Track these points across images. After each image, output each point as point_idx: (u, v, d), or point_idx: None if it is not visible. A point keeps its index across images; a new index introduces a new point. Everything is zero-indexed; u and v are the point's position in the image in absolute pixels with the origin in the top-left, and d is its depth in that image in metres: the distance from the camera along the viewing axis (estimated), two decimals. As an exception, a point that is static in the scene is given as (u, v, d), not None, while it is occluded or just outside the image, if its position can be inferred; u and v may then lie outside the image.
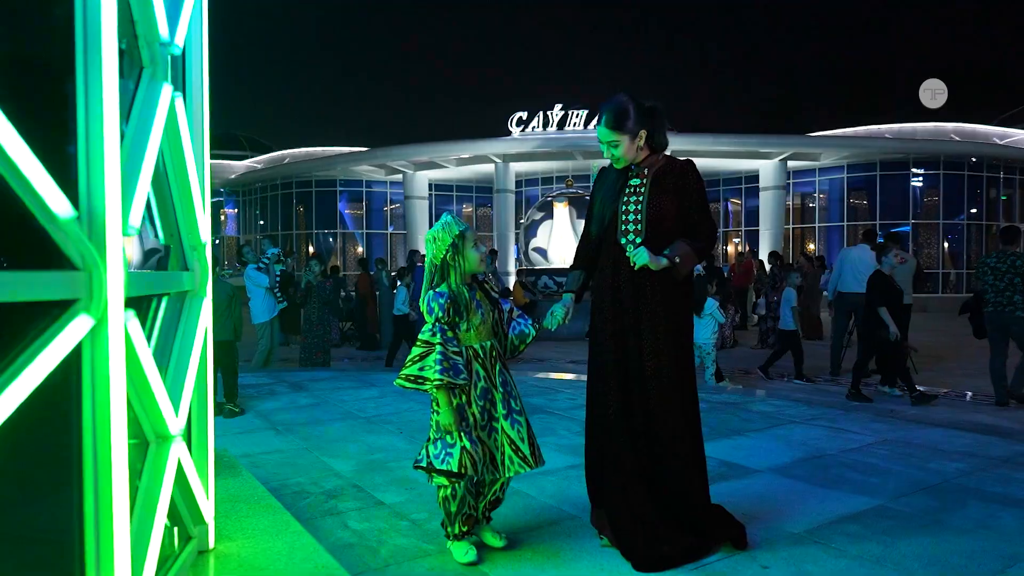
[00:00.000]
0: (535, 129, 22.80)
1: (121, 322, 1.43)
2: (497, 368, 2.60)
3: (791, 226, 26.45)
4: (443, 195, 29.59)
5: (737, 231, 28.55)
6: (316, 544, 2.28)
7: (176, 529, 2.14)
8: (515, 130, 23.01)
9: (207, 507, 2.15)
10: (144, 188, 1.56)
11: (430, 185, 28.70)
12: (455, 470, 2.44)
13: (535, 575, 2.50)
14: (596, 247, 2.88)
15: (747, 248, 26.80)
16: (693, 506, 2.69)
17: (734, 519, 2.79)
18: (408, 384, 2.47)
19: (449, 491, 2.53)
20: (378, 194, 30.14)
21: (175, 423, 1.79)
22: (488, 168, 24.82)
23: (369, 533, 2.90)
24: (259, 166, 32.26)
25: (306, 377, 7.12)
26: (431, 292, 2.54)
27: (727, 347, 10.50)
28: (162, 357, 1.96)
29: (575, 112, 22.26)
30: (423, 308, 2.54)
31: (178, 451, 1.84)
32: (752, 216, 26.56)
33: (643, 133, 2.73)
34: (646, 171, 2.77)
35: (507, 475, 2.56)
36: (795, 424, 4.92)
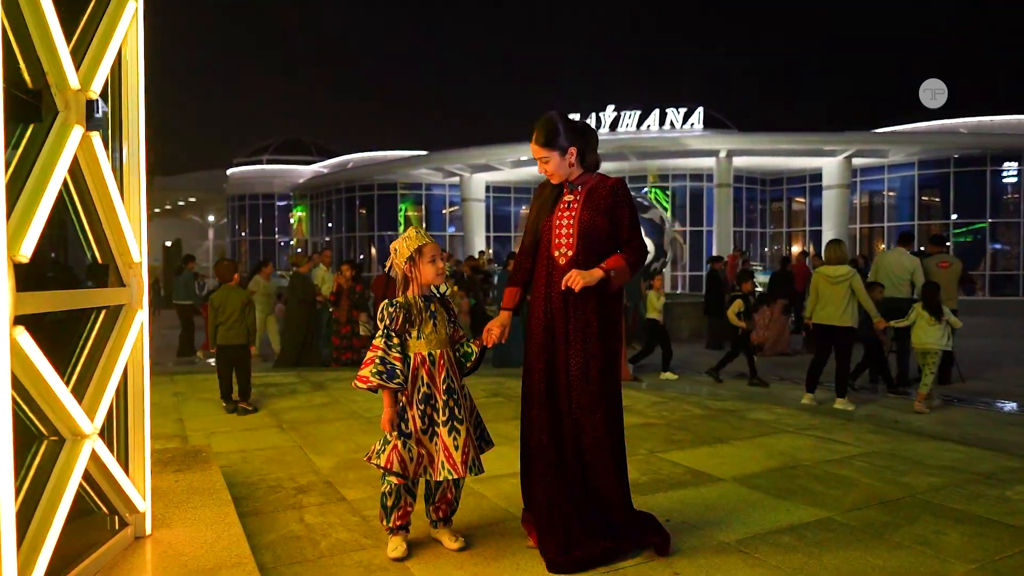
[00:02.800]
0: (587, 131, 22.85)
1: (7, 336, 1.67)
2: (444, 376, 2.75)
3: (858, 226, 25.47)
4: (501, 197, 29.93)
5: (800, 231, 27.68)
6: (241, 535, 2.50)
7: (116, 517, 2.41)
8: (567, 132, 23.13)
9: (138, 498, 2.40)
10: (41, 220, 1.81)
11: (487, 187, 29.09)
12: (382, 465, 2.63)
13: (454, 572, 2.65)
14: (530, 261, 3.00)
15: (811, 249, 25.99)
16: (612, 512, 2.78)
17: (661, 527, 2.86)
18: (359, 384, 2.69)
19: (388, 487, 2.72)
20: (437, 197, 30.77)
21: (87, 422, 2.04)
22: (542, 170, 24.97)
23: (319, 527, 3.11)
24: (325, 171, 33.46)
25: (330, 377, 7.47)
26: (387, 301, 2.74)
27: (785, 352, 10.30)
28: (91, 362, 2.22)
29: (627, 113, 22.16)
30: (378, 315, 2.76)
31: (95, 447, 2.09)
32: (816, 216, 25.71)
33: (573, 150, 2.83)
34: (579, 188, 2.87)
35: (438, 478, 2.71)
36: (786, 433, 4.87)
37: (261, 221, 35.61)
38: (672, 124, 22.15)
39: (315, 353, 8.59)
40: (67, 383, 2.13)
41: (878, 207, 25.46)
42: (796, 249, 26.89)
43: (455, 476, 2.67)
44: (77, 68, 2.07)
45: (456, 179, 28.31)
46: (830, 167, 23.09)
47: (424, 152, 29.19)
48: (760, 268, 24.45)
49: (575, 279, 2.66)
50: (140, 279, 2.43)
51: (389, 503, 2.75)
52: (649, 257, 18.23)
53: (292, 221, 35.80)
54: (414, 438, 2.67)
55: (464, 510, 3.31)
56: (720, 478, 3.83)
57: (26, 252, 1.75)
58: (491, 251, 29.77)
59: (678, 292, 21.78)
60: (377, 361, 2.64)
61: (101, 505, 2.34)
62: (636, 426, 5.09)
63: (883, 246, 24.19)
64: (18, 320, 1.73)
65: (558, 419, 2.80)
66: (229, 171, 36.52)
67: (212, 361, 8.34)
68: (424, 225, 30.47)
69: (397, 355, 2.66)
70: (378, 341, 2.69)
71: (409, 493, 2.78)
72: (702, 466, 4.05)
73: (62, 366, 2.16)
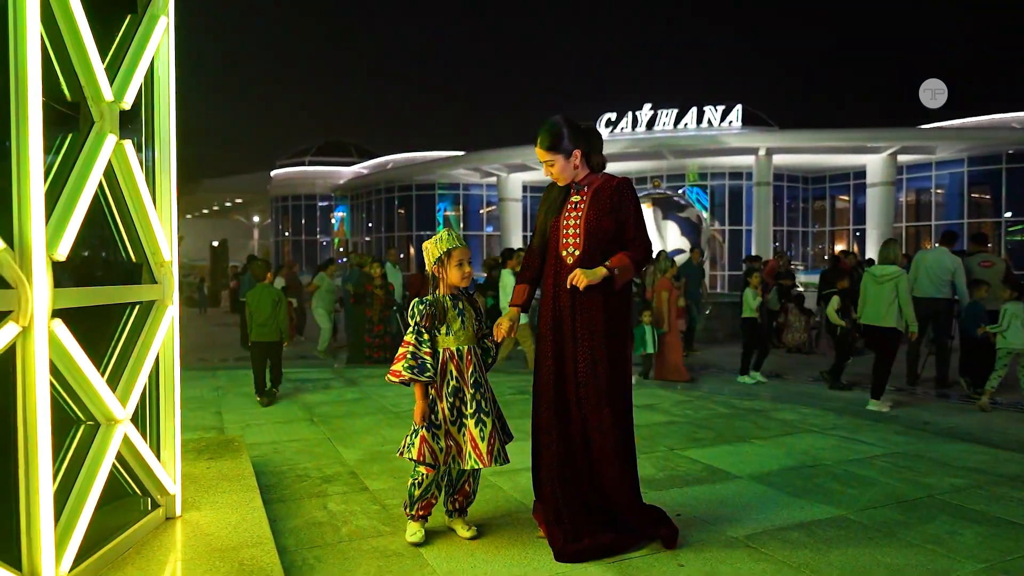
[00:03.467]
0: (624, 130, 22.72)
1: (45, 328, 1.84)
2: (471, 370, 2.86)
3: (904, 224, 24.81)
4: (538, 196, 29.94)
5: (844, 230, 27.08)
6: (263, 518, 2.65)
7: (148, 499, 2.58)
8: (604, 131, 23.01)
9: (168, 481, 2.57)
10: (77, 222, 1.97)
11: (524, 187, 29.18)
12: (415, 458, 2.75)
13: (465, 559, 2.75)
14: (541, 261, 3.09)
15: (855, 248, 25.43)
16: (620, 505, 2.84)
17: (669, 520, 2.92)
18: (391, 378, 2.82)
19: (419, 478, 2.85)
20: (475, 197, 31.01)
21: (120, 408, 2.21)
22: (579, 169, 24.96)
23: (341, 514, 3.25)
24: (365, 171, 34.01)
25: (363, 373, 7.67)
26: (418, 299, 2.88)
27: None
28: (125, 354, 2.39)
29: (664, 111, 22.00)
30: (409, 312, 2.90)
31: (127, 432, 2.26)
32: (861, 214, 25.12)
33: (578, 153, 2.89)
34: (585, 188, 2.94)
35: (465, 467, 2.82)
36: (810, 433, 4.85)
37: (303, 221, 36.38)
38: (710, 122, 21.91)
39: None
40: (103, 372, 2.31)
41: (925, 205, 24.75)
42: (840, 248, 26.32)
43: (481, 466, 2.78)
44: (111, 82, 2.24)
45: (493, 179, 28.47)
46: (874, 164, 22.53)
47: (461, 152, 29.44)
48: (802, 268, 24.03)
49: (579, 278, 2.73)
50: (171, 276, 2.60)
51: (417, 493, 2.87)
52: (686, 257, 18.12)
53: (334, 221, 36.48)
54: (443, 429, 2.78)
55: (481, 502, 3.41)
56: (736, 475, 3.86)
57: (63, 252, 1.91)
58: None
59: (716, 292, 21.53)
60: (408, 356, 2.77)
61: (135, 487, 2.51)
62: (658, 424, 5.13)
63: (930, 245, 23.52)
64: (56, 313, 1.90)
65: (566, 415, 2.87)
66: (273, 173, 37.39)
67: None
68: (461, 225, 30.75)
69: (427, 350, 2.79)
70: (409, 337, 2.82)
71: (437, 487, 2.91)
72: (720, 463, 4.07)
73: (99, 357, 2.34)
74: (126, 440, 2.28)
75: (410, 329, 2.82)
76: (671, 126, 22.02)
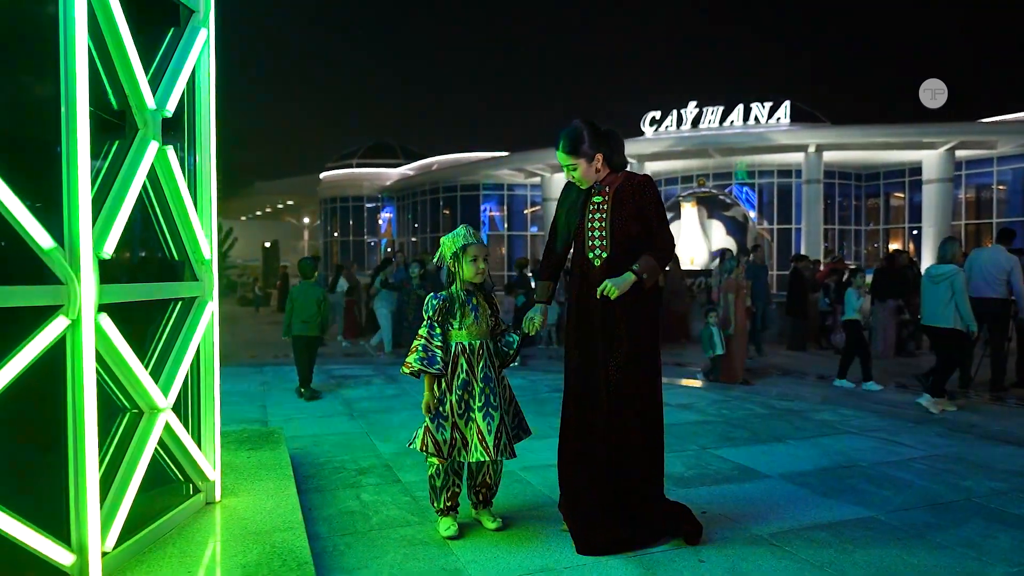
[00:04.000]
0: (668, 128, 22.49)
1: (92, 321, 1.98)
2: (481, 364, 2.94)
3: (963, 222, 23.88)
4: (582, 196, 29.89)
5: (899, 228, 26.24)
6: (296, 506, 2.77)
7: (190, 485, 2.73)
8: (648, 130, 22.84)
9: (208, 468, 2.72)
10: (121, 223, 2.12)
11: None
12: (419, 448, 2.84)
13: (489, 549, 2.83)
14: (561, 259, 3.14)
15: (911, 247, 24.62)
16: (644, 503, 2.86)
17: (693, 517, 2.93)
18: (404, 370, 2.93)
19: (434, 469, 2.94)
20: (519, 197, 31.09)
21: (162, 398, 2.35)
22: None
23: (373, 504, 3.37)
24: (411, 172, 34.46)
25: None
26: (432, 294, 2.98)
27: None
28: (168, 347, 2.55)
29: (710, 109, 21.69)
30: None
31: (169, 420, 2.41)
32: (917, 212, 24.29)
33: (600, 157, 2.91)
34: (607, 188, 2.95)
35: (471, 459, 2.90)
36: (848, 435, 4.77)
37: (351, 222, 37.07)
38: (757, 119, 21.51)
39: None
40: (147, 364, 2.46)
41: (986, 202, 23.77)
42: (895, 246, 25.49)
43: (487, 458, 2.84)
44: (154, 91, 2.38)
45: (537, 179, 28.52)
46: (930, 160, 21.76)
47: (506, 153, 29.56)
48: (853, 267, 23.37)
49: (609, 288, 2.76)
50: (212, 274, 2.74)
51: (437, 484, 2.95)
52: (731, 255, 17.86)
53: (381, 222, 37.07)
54: (450, 421, 2.86)
55: (510, 495, 3.49)
56: (767, 475, 3.83)
57: (108, 250, 2.06)
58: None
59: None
60: (419, 349, 2.87)
61: (177, 473, 2.66)
62: (693, 423, 5.12)
63: (991, 244, 22.59)
64: (102, 308, 2.04)
65: (592, 414, 2.91)
66: (321, 175, 38.22)
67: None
68: (506, 225, 30.89)
69: (439, 344, 2.88)
70: (422, 330, 2.91)
71: (455, 474, 2.98)
72: (751, 463, 4.05)
73: (144, 350, 2.50)
74: (167, 428, 2.43)
75: (424, 323, 2.90)
76: (717, 124, 21.69)
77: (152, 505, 2.51)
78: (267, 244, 33.75)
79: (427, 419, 2.87)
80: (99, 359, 2.09)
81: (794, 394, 6.49)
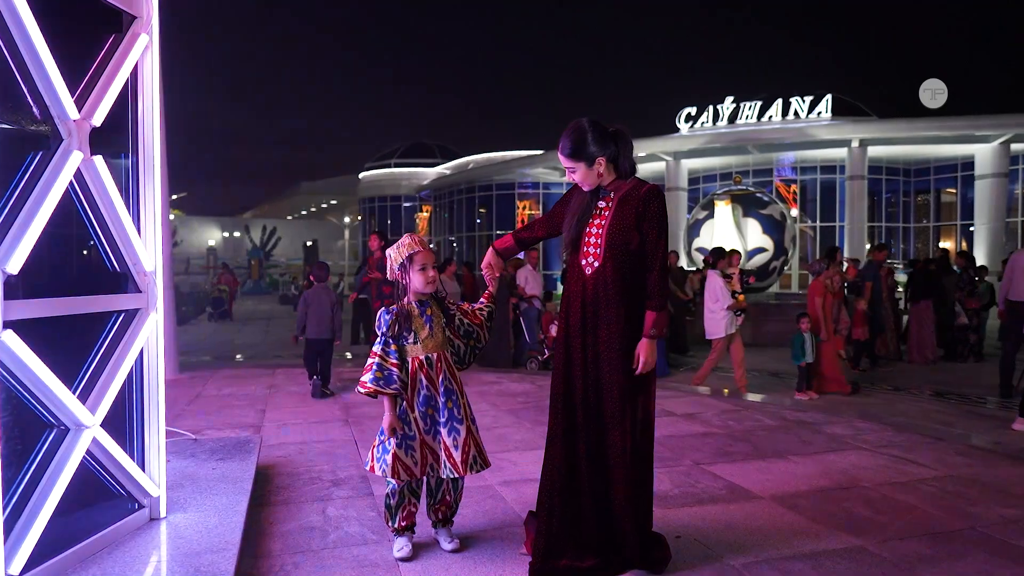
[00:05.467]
0: (704, 124, 21.98)
1: (-6, 339, 1.92)
2: (441, 377, 2.82)
3: (1020, 219, 22.74)
4: (619, 194, 29.52)
5: (951, 225, 25.14)
6: (239, 524, 2.69)
7: (135, 501, 2.68)
8: (683, 126, 22.37)
9: (150, 484, 2.66)
10: (32, 239, 2.06)
11: (604, 185, 28.73)
12: (390, 477, 2.73)
13: (439, 572, 2.70)
14: (533, 240, 3.04)
15: (963, 245, 23.58)
16: (623, 530, 2.65)
17: (664, 545, 2.75)
18: (360, 390, 2.82)
19: (391, 488, 2.83)
20: (554, 195, 30.85)
21: (87, 414, 2.29)
22: (662, 166, 24.39)
23: (336, 519, 3.27)
24: (447, 172, 34.56)
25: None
26: (383, 309, 2.87)
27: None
28: (104, 360, 2.49)
29: (747, 104, 21.13)
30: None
31: (97, 436, 2.35)
32: (969, 208, 23.25)
33: (602, 160, 2.70)
34: (611, 194, 2.75)
35: (443, 475, 2.78)
36: (858, 451, 4.49)
37: (389, 222, 37.40)
38: (796, 114, 20.85)
39: (518, 353, 9.18)
40: (82, 379, 2.41)
41: (1045, 198, 22.58)
42: (949, 245, 24.39)
43: (457, 475, 2.73)
44: (84, 100, 2.33)
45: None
46: (983, 154, 20.76)
47: (540, 151, 29.38)
48: (901, 266, 22.46)
49: (646, 364, 2.64)
50: (155, 286, 2.68)
51: (393, 503, 2.84)
52: (767, 256, 17.33)
53: (418, 221, 37.31)
54: (418, 440, 2.75)
55: (480, 512, 3.37)
56: (758, 496, 3.61)
57: (15, 267, 2.00)
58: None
59: (799, 292, 20.48)
60: (375, 367, 2.75)
61: (120, 489, 2.61)
62: (693, 435, 4.90)
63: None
64: (7, 324, 1.98)
65: (573, 430, 2.74)
66: (361, 175, 38.67)
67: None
68: (541, 224, 30.69)
69: (395, 361, 2.76)
70: (376, 348, 2.79)
71: (412, 493, 2.87)
72: (744, 481, 3.83)
73: (81, 364, 2.45)
74: (97, 445, 2.37)
75: (378, 339, 2.79)
76: (754, 119, 21.11)
77: (94, 521, 2.47)
78: (308, 243, 34.39)
79: (392, 445, 2.75)
80: (11, 376, 2.04)
81: (899, 412, 6.19)
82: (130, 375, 2.63)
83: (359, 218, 41.63)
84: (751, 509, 3.42)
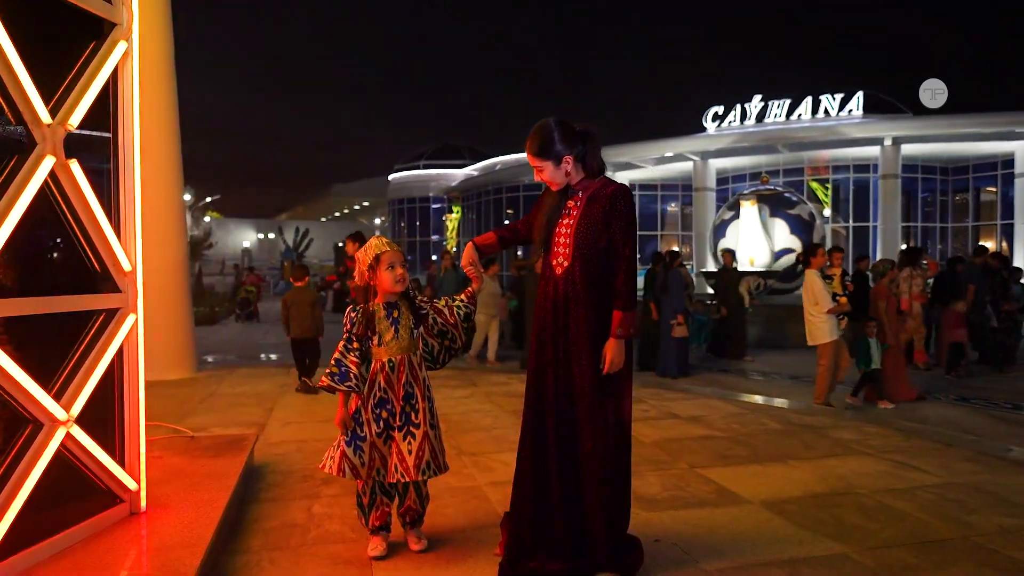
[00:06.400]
0: (731, 123, 21.68)
1: (-39, 337, 1.99)
2: (403, 381, 2.82)
3: (1063, 218, 21.91)
4: (648, 195, 29.35)
5: (990, 226, 24.37)
6: (215, 520, 2.74)
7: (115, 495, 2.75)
8: (710, 125, 22.09)
9: (128, 479, 2.72)
10: (2, 238, 2.13)
11: (632, 185, 28.61)
12: (333, 473, 2.75)
13: (410, 572, 2.71)
14: (515, 240, 2.98)
15: (1003, 245, 22.87)
16: (592, 533, 2.63)
17: (637, 549, 2.72)
18: (319, 385, 2.85)
19: (362, 487, 2.86)
20: (582, 196, 30.74)
21: (60, 411, 2.36)
22: (689, 166, 24.13)
23: (319, 517, 3.31)
24: (475, 173, 34.70)
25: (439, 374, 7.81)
26: (351, 307, 2.89)
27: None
28: (83, 359, 2.56)
29: (776, 103, 20.78)
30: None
31: (71, 432, 2.41)
32: (1010, 207, 22.52)
33: (569, 159, 2.70)
34: (580, 194, 2.75)
35: (390, 480, 2.78)
36: (860, 456, 4.38)
37: (418, 223, 37.70)
38: (827, 112, 20.42)
39: None
40: (60, 376, 2.48)
41: (1091, 197, 21.73)
42: (990, 245, 23.63)
43: (407, 479, 2.73)
44: (59, 105, 2.39)
45: (600, 178, 28.15)
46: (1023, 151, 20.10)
47: (568, 152, 29.31)
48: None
49: (613, 365, 2.60)
50: (135, 286, 2.75)
51: (365, 502, 2.87)
52: (790, 258, 16.99)
53: (447, 222, 37.52)
54: (368, 441, 2.76)
55: (463, 511, 3.38)
56: (747, 500, 3.55)
57: (-16, 266, 2.07)
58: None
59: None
60: (333, 363, 2.76)
61: (100, 484, 2.67)
62: (693, 438, 4.84)
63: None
64: (-25, 323, 2.05)
65: (543, 431, 2.73)
66: (390, 176, 39.04)
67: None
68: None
69: (354, 358, 2.77)
70: (340, 344, 2.81)
71: (384, 493, 2.88)
72: (736, 486, 3.77)
73: (61, 361, 2.52)
74: (73, 440, 2.44)
75: (343, 336, 2.80)
76: (783, 117, 20.75)
77: (74, 511, 2.54)
78: (340, 244, 34.84)
79: (341, 442, 2.77)
80: (-17, 373, 2.11)
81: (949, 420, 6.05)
82: (111, 373, 2.70)
83: (387, 220, 42.02)
84: (737, 514, 3.36)
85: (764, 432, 5.02)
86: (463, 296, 2.99)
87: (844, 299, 6.53)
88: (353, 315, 2.80)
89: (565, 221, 2.75)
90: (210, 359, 9.47)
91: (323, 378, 2.75)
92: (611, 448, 2.67)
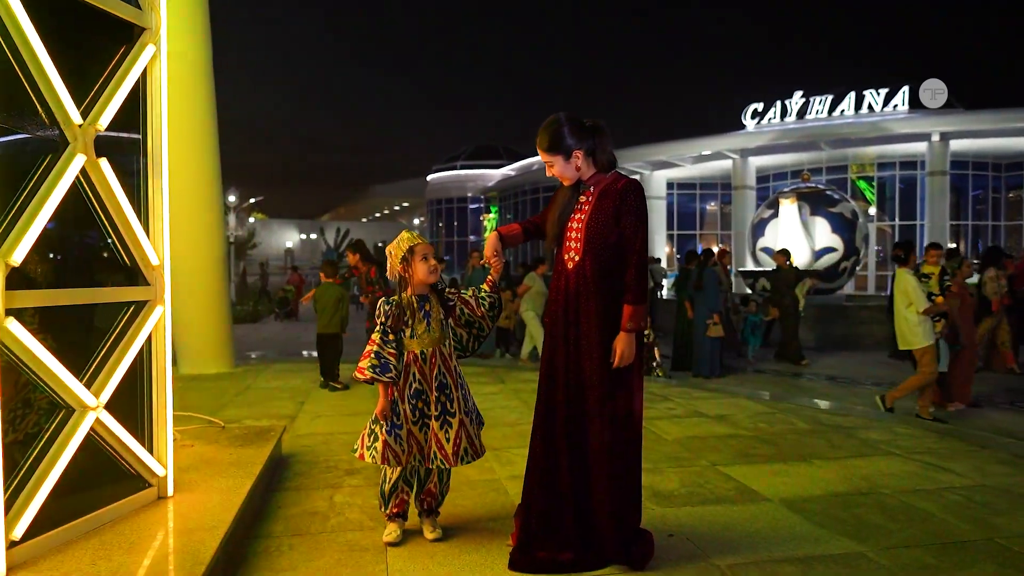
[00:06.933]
0: (771, 120, 21.29)
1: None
2: (436, 373, 2.89)
3: (1125, 215, 20.97)
4: (686, 194, 29.04)
5: (1046, 223, 23.42)
6: (236, 504, 2.84)
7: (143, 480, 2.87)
8: (750, 123, 21.73)
9: (156, 465, 2.84)
10: (36, 232, 2.26)
11: (670, 184, 28.38)
12: (379, 463, 2.83)
13: (422, 561, 2.76)
14: (536, 232, 2.98)
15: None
16: (601, 525, 2.67)
17: (648, 542, 2.73)
18: (357, 375, 2.94)
19: (384, 475, 2.94)
20: (619, 195, 30.57)
21: (90, 397, 2.48)
22: (728, 164, 23.79)
23: (340, 506, 3.40)
24: (512, 173, 34.79)
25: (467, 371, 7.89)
26: (384, 299, 2.97)
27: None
28: (112, 348, 2.69)
29: (818, 99, 20.33)
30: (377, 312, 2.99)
31: (101, 417, 2.54)
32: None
33: (579, 153, 2.73)
34: (591, 188, 2.77)
35: (430, 466, 2.86)
36: (888, 457, 4.29)
37: (455, 223, 37.98)
38: (871, 107, 19.90)
39: None
40: (92, 363, 2.61)
41: None
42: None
43: (448, 465, 2.82)
44: (90, 107, 2.52)
45: (636, 176, 27.93)
46: (1082, 146, 19.27)
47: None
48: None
49: (624, 358, 2.61)
50: (163, 279, 2.87)
51: (387, 490, 2.95)
52: (836, 256, 16.63)
53: (484, 222, 37.70)
54: (405, 429, 2.83)
55: (481, 504, 3.43)
56: (767, 498, 3.52)
57: (17, 258, 2.20)
58: (674, 249, 28.96)
59: (867, 293, 19.55)
60: (373, 356, 2.84)
61: (130, 469, 2.80)
62: (718, 437, 4.80)
63: None
64: (9, 312, 2.18)
65: (553, 424, 2.77)
66: (429, 177, 39.41)
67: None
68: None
69: (392, 350, 2.85)
70: (375, 336, 2.89)
71: (406, 482, 2.96)
72: (757, 484, 3.73)
73: (93, 350, 2.65)
74: (102, 425, 2.56)
75: (376, 328, 2.88)
76: (825, 114, 20.29)
77: (110, 497, 2.67)
78: (380, 244, 35.34)
79: (382, 428, 2.84)
80: (17, 361, 2.24)
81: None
82: (140, 363, 2.83)
83: (427, 220, 42.41)
84: (755, 511, 3.33)
85: (791, 432, 4.95)
86: (485, 286, 3.04)
87: (941, 299, 6.07)
88: (387, 308, 2.87)
89: (577, 216, 2.77)
90: (253, 355, 9.73)
91: (364, 371, 2.82)
92: (620, 442, 2.69)
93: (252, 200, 43.54)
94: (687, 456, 4.30)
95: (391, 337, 2.86)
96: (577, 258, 2.73)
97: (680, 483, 3.76)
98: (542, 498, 2.73)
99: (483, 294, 3.01)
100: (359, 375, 2.89)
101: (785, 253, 10.92)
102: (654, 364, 8.08)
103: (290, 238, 65.24)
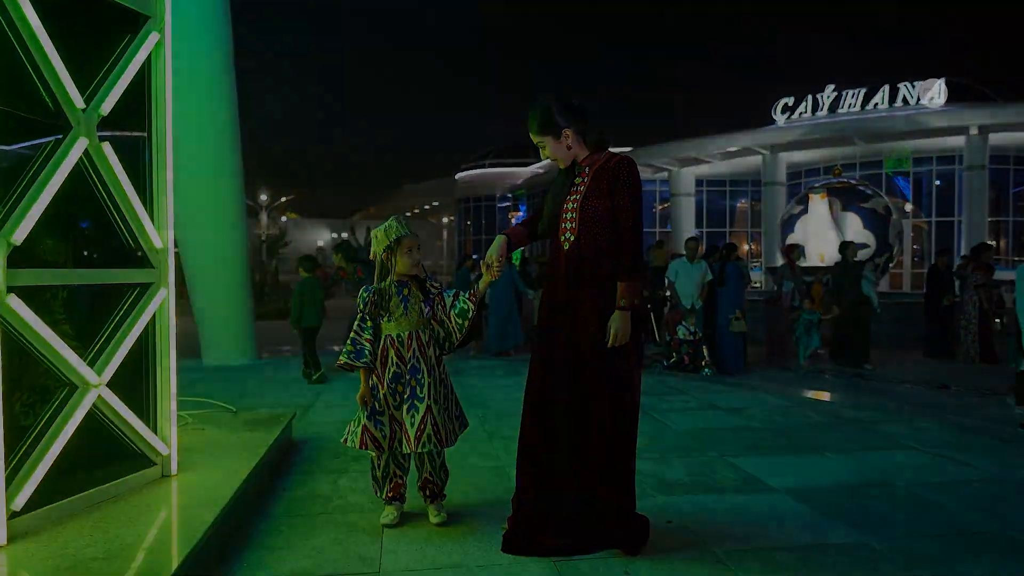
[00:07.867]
0: (802, 115, 20.90)
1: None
2: (410, 355, 2.88)
3: None
4: (715, 191, 28.69)
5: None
6: (234, 485, 2.88)
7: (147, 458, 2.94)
8: (780, 117, 21.37)
9: (159, 444, 2.91)
10: (37, 213, 2.32)
11: (698, 181, 28.07)
12: (357, 447, 2.85)
13: (417, 543, 2.77)
14: (532, 233, 2.95)
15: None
16: (598, 510, 2.66)
17: (641, 527, 2.71)
18: (337, 363, 2.96)
19: (373, 460, 2.96)
20: (647, 193, 30.30)
21: (92, 375, 2.55)
22: (758, 160, 23.45)
23: (343, 490, 3.44)
24: (540, 171, 34.72)
25: (475, 364, 7.92)
26: (364, 287, 2.98)
27: None
28: (116, 328, 2.75)
29: (850, 92, 19.91)
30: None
31: (103, 395, 2.60)
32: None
33: (568, 132, 2.74)
34: (587, 169, 2.77)
35: (403, 451, 2.87)
36: (905, 450, 4.19)
37: (484, 221, 38.07)
38: (905, 100, 19.41)
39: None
40: (97, 343, 2.68)
41: None
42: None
43: (409, 450, 2.81)
44: (95, 92, 2.59)
45: (664, 174, 27.70)
46: None
47: (629, 148, 28.96)
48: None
49: (620, 337, 2.59)
50: (167, 263, 2.93)
51: (379, 475, 2.97)
52: (868, 252, 16.26)
53: (513, 220, 37.72)
54: (387, 414, 2.85)
55: (483, 489, 3.44)
56: (773, 488, 3.46)
57: (19, 238, 2.26)
58: (703, 248, 28.62)
59: (904, 292, 19.09)
60: (349, 342, 2.86)
61: (134, 447, 2.87)
62: (729, 429, 4.74)
63: None
64: (11, 289, 2.25)
65: (550, 407, 2.76)
66: (457, 176, 39.57)
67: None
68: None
69: (368, 337, 2.86)
70: (354, 324, 2.90)
71: (398, 466, 2.97)
72: (764, 474, 3.67)
73: (98, 330, 2.72)
74: (104, 403, 2.63)
75: (356, 316, 2.90)
76: (858, 107, 19.86)
77: (109, 473, 2.74)
78: (408, 242, 35.60)
79: (362, 414, 2.86)
80: (18, 336, 2.31)
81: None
82: (143, 344, 2.89)
83: (455, 218, 42.62)
84: (760, 500, 3.28)
85: (806, 425, 4.86)
86: (469, 298, 2.95)
87: None
88: (366, 295, 2.89)
89: (572, 197, 2.76)
90: (286, 348, 9.88)
91: (341, 358, 2.85)
92: (616, 425, 2.66)
93: (283, 199, 44.22)
94: (695, 446, 4.25)
95: (368, 323, 2.87)
96: (573, 238, 2.72)
97: (685, 472, 3.72)
98: (537, 482, 2.72)
99: (461, 300, 2.95)
100: (337, 363, 2.92)
101: (851, 245, 9.95)
102: (703, 363, 7.92)
103: (321, 237, 66.09)
